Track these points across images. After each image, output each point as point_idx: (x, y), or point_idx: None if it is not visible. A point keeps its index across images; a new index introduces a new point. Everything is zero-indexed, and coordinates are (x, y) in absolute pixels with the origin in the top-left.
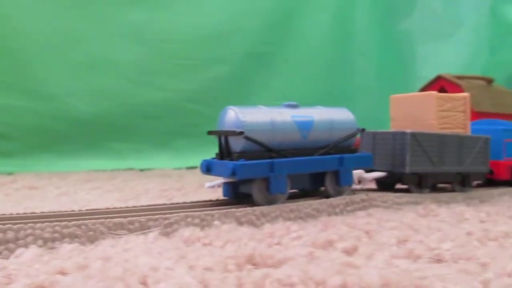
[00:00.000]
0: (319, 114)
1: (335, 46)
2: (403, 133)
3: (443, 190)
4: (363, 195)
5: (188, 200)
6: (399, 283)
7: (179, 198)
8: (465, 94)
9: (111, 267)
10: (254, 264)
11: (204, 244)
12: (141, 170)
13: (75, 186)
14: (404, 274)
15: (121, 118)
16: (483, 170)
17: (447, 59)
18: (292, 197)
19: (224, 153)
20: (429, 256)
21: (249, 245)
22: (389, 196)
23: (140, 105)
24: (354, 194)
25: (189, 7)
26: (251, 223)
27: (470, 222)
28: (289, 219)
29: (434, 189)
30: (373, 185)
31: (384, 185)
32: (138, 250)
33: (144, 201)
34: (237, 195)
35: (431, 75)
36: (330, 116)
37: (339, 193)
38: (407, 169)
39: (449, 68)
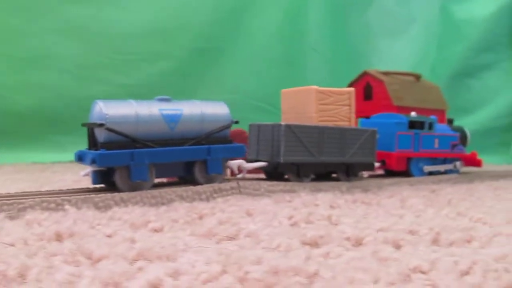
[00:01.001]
0: (190, 107)
1: (287, 42)
2: (279, 125)
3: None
4: (234, 183)
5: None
6: (148, 251)
7: (76, 185)
8: (350, 89)
9: None
10: (58, 240)
11: (40, 225)
12: None
13: None
14: (168, 247)
15: (63, 111)
16: (369, 161)
17: (400, 55)
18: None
19: (91, 143)
20: (226, 235)
21: (65, 225)
22: (263, 184)
23: (82, 99)
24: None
25: (134, 2)
26: (108, 208)
27: (311, 207)
28: (151, 204)
29: (329, 178)
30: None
31: (273, 175)
32: None
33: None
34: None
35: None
36: (202, 109)
37: (209, 181)
38: (282, 159)
39: (401, 64)
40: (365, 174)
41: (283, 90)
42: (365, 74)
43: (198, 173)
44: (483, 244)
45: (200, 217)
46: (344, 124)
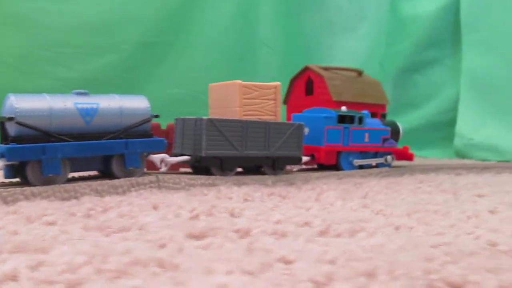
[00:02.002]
0: (107, 101)
1: (238, 36)
2: (201, 119)
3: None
4: (153, 177)
5: None
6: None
7: None
8: (276, 83)
9: None
10: None
11: None
12: None
13: None
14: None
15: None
16: (296, 154)
17: (351, 51)
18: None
19: (3, 137)
20: (117, 228)
21: None
22: (184, 178)
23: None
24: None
25: None
26: (15, 202)
27: (222, 200)
28: (63, 198)
29: (257, 171)
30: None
31: (199, 169)
32: None
33: None
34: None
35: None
36: (120, 103)
37: (128, 175)
38: (203, 153)
39: (352, 59)
40: (294, 168)
41: (210, 85)
42: (306, 69)
43: (115, 167)
44: (369, 234)
45: (104, 211)
46: (269, 118)
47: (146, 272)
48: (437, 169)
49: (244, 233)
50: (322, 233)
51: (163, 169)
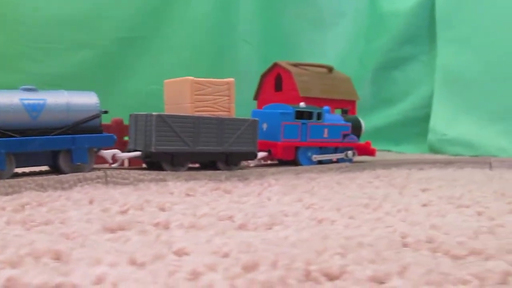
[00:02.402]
0: (54, 97)
1: (217, 32)
2: (151, 115)
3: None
4: (101, 172)
5: None
6: None
7: None
8: (229, 79)
9: None
10: None
11: None
12: None
13: None
14: None
15: None
16: (251, 150)
17: (331, 47)
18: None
19: None
20: (40, 222)
21: None
22: (133, 173)
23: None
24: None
25: None
26: None
27: (161, 195)
28: (6, 194)
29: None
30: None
31: (154, 165)
32: None
33: None
34: None
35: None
36: (67, 99)
37: (76, 170)
38: (153, 148)
39: (332, 56)
40: (252, 163)
41: (166, 81)
42: (275, 65)
43: (62, 162)
44: (283, 228)
45: (39, 205)
46: (223, 114)
47: (36, 263)
48: (400, 164)
49: (162, 227)
50: (240, 227)
51: (115, 164)
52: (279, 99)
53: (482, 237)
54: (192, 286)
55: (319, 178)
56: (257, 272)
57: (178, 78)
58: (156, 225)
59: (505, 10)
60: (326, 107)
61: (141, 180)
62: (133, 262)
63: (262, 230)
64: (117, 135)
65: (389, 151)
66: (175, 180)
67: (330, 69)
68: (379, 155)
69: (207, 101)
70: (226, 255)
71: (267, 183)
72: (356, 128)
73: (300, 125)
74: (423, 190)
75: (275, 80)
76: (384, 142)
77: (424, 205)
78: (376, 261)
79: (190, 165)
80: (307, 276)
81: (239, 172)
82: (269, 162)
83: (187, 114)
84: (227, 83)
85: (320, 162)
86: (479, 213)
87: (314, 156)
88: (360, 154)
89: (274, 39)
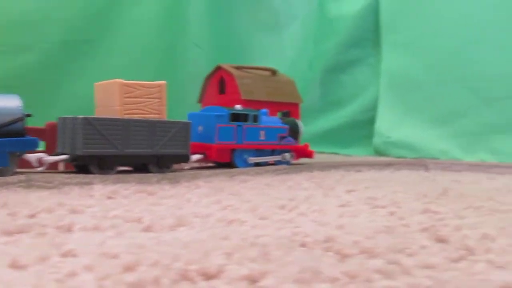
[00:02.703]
0: None
1: (167, 35)
2: (77, 118)
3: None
4: (22, 176)
5: None
6: None
7: None
8: (161, 82)
9: None
10: None
11: None
12: None
13: None
14: None
15: None
16: (183, 152)
17: (281, 50)
18: None
19: None
20: None
21: None
22: (58, 177)
23: None
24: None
25: None
26: None
27: (82, 199)
28: None
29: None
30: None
31: (83, 168)
32: None
33: None
34: None
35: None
36: None
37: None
38: (80, 152)
39: (281, 59)
40: (186, 166)
41: (96, 84)
42: (219, 68)
43: None
44: (188, 229)
45: None
46: (154, 116)
47: None
48: (338, 166)
49: (65, 229)
50: (146, 228)
51: (41, 168)
52: (222, 102)
53: (380, 236)
54: (59, 287)
55: (251, 180)
56: (135, 272)
57: (107, 81)
58: (59, 228)
59: (448, 14)
60: (263, 110)
61: (67, 184)
62: (14, 264)
63: (166, 231)
64: (51, 139)
65: (336, 153)
66: (101, 183)
67: (273, 72)
68: (323, 158)
69: (137, 103)
70: (114, 256)
71: (195, 186)
72: (294, 131)
73: (236, 128)
74: (349, 192)
75: (218, 83)
76: (332, 145)
77: (342, 205)
78: (259, 260)
79: (124, 168)
80: (183, 276)
81: (171, 175)
82: (209, 165)
83: (115, 117)
84: (159, 85)
85: (258, 165)
86: (391, 213)
87: (250, 158)
88: (298, 156)
89: (224, 42)
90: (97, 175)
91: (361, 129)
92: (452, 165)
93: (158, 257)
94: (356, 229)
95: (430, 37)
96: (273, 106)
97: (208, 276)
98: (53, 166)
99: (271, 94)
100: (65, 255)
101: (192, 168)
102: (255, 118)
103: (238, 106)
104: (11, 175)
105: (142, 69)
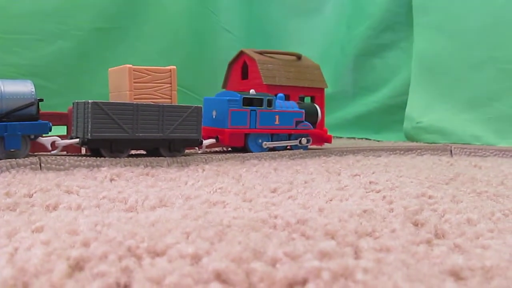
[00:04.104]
0: None
1: (196, 21)
2: (87, 103)
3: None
4: (34, 158)
5: None
6: None
7: None
8: (171, 67)
9: None
10: None
11: None
12: None
13: None
14: None
15: None
16: (194, 137)
17: (313, 35)
18: None
19: None
20: None
21: None
22: (70, 159)
23: None
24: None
25: None
26: None
27: (86, 180)
28: None
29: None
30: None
31: (97, 152)
32: None
33: None
34: None
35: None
36: (1, 88)
37: (11, 157)
38: (90, 135)
39: (313, 44)
40: (200, 150)
41: (110, 69)
42: (242, 53)
43: None
44: (166, 210)
45: None
46: (165, 101)
47: None
48: (358, 151)
49: (50, 208)
50: (128, 209)
51: (55, 151)
52: (245, 87)
53: (352, 219)
54: (9, 260)
55: (261, 164)
56: (85, 248)
57: (118, 67)
58: (45, 207)
59: None
60: (280, 94)
61: (77, 166)
62: None
63: (145, 211)
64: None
65: (366, 139)
66: (110, 166)
67: (298, 57)
68: (350, 143)
69: (147, 88)
70: (75, 233)
71: (201, 169)
72: (312, 115)
73: (249, 112)
74: (353, 176)
75: (241, 69)
76: (363, 131)
77: (338, 189)
78: (210, 240)
79: (138, 152)
80: (132, 252)
81: (182, 158)
82: (226, 149)
83: (125, 102)
84: (169, 70)
85: (274, 149)
86: (383, 197)
87: (264, 142)
88: (316, 140)
89: (255, 27)
90: (107, 158)
91: (393, 114)
92: (479, 150)
93: (116, 235)
94: (334, 212)
95: (462, 18)
96: (296, 91)
97: (155, 254)
98: (76, 150)
99: (294, 79)
100: (33, 231)
101: (206, 153)
102: (269, 103)
103: (252, 91)
104: (24, 157)
105: (173, 55)
